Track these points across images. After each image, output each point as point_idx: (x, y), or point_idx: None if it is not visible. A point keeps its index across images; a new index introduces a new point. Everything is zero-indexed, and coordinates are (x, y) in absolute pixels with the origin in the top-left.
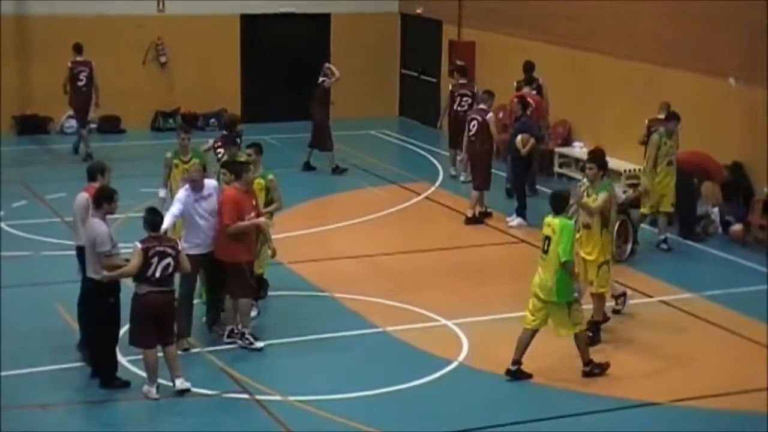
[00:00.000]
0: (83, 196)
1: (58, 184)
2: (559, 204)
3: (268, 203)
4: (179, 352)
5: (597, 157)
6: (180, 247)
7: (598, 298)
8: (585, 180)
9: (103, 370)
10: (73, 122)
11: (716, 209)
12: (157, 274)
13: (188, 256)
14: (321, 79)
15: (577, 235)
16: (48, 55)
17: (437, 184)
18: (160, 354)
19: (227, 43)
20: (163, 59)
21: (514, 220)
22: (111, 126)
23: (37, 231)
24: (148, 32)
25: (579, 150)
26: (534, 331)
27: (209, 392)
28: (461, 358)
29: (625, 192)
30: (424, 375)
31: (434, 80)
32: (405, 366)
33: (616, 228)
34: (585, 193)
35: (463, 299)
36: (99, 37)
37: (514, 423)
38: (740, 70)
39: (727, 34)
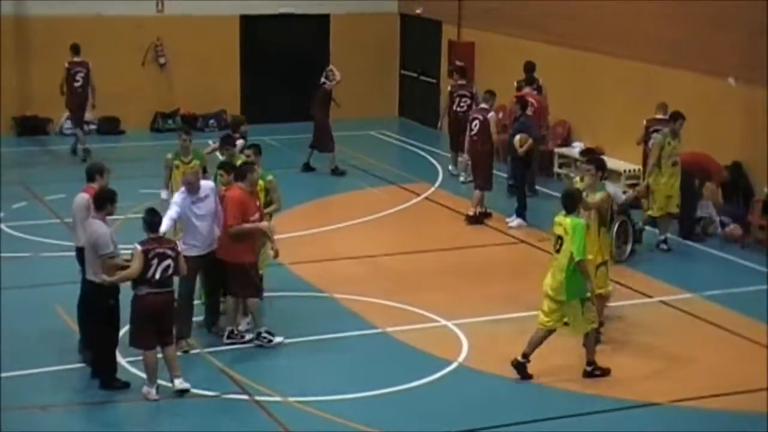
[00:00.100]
0: (83, 197)
1: (57, 185)
2: (571, 202)
3: (267, 204)
4: (179, 354)
5: (595, 158)
6: (179, 249)
7: (598, 299)
8: (577, 178)
9: (103, 372)
10: (71, 123)
11: (715, 209)
12: (157, 276)
13: (186, 257)
14: (322, 80)
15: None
16: (47, 56)
17: (437, 184)
18: (160, 355)
19: (227, 43)
20: (162, 60)
21: (514, 221)
22: (110, 127)
23: (37, 232)
24: (147, 33)
25: (578, 150)
26: (548, 332)
27: (209, 393)
28: (461, 358)
29: (625, 192)
30: (424, 375)
31: (434, 81)
32: (405, 366)
33: (615, 228)
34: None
35: (463, 300)
36: (98, 37)
37: (514, 423)
38: (740, 69)
39: (727, 34)
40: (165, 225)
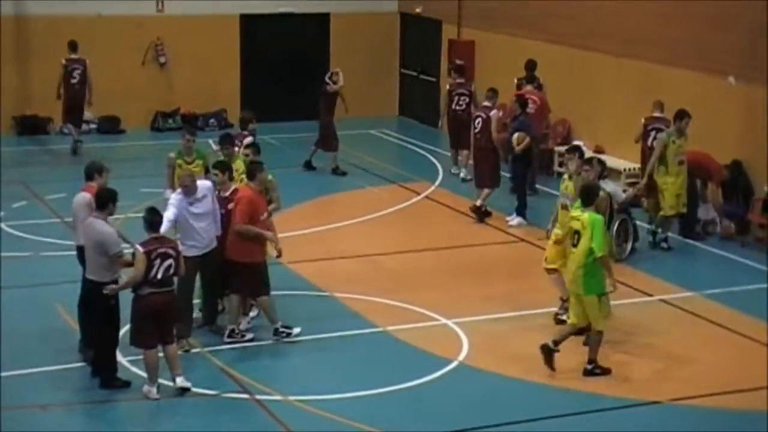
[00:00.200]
0: (85, 196)
1: (57, 185)
2: (589, 196)
3: (266, 203)
4: (179, 353)
5: (575, 147)
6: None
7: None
8: (566, 175)
9: (104, 371)
10: (70, 126)
11: (715, 210)
12: (159, 276)
13: (186, 258)
14: (326, 81)
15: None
16: (48, 56)
17: (437, 183)
18: (161, 354)
19: (227, 43)
20: (162, 59)
21: (514, 220)
22: (111, 126)
23: (37, 231)
24: (147, 32)
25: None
26: (574, 327)
27: (209, 392)
28: (461, 357)
29: (625, 191)
30: (424, 374)
31: (434, 80)
32: (405, 365)
33: (615, 227)
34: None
35: (463, 298)
36: (98, 37)
37: (515, 422)
38: (740, 69)
39: (727, 34)
40: (163, 227)
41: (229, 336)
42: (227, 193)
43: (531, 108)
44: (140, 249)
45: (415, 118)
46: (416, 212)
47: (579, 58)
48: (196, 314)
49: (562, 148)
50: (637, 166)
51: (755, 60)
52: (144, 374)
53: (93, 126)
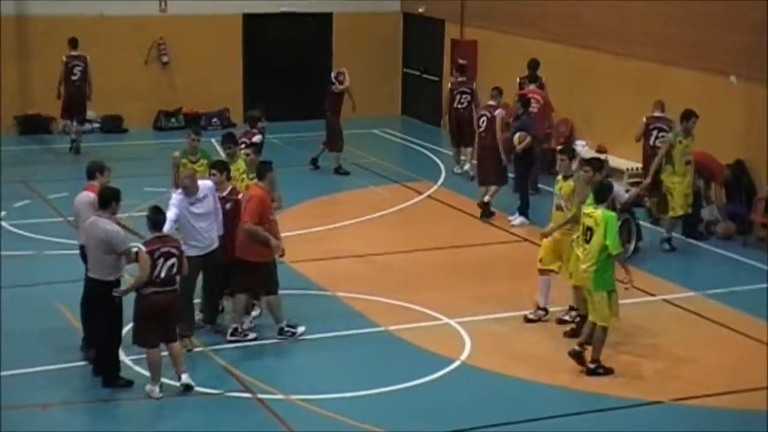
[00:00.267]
0: (88, 195)
1: (59, 184)
2: (603, 193)
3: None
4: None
5: (567, 148)
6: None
7: None
8: (560, 176)
9: (106, 370)
10: (68, 122)
11: (718, 210)
12: (162, 275)
13: (188, 257)
14: (332, 81)
15: (575, 235)
16: (49, 56)
17: (439, 182)
18: (164, 353)
19: (229, 42)
20: (165, 59)
21: (517, 219)
22: (113, 125)
23: (39, 230)
24: (149, 32)
25: (581, 148)
26: (592, 323)
27: (212, 391)
28: (464, 357)
29: (627, 191)
30: (426, 374)
31: (436, 79)
32: (407, 365)
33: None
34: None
35: (466, 298)
36: (101, 36)
37: (517, 421)
38: (741, 68)
39: (728, 33)
40: (165, 227)
41: (232, 335)
42: (224, 193)
43: (534, 107)
44: (143, 249)
45: (418, 117)
46: (419, 212)
47: (581, 58)
48: (197, 314)
49: None
50: (640, 165)
51: (756, 59)
52: (147, 373)
53: (96, 125)
